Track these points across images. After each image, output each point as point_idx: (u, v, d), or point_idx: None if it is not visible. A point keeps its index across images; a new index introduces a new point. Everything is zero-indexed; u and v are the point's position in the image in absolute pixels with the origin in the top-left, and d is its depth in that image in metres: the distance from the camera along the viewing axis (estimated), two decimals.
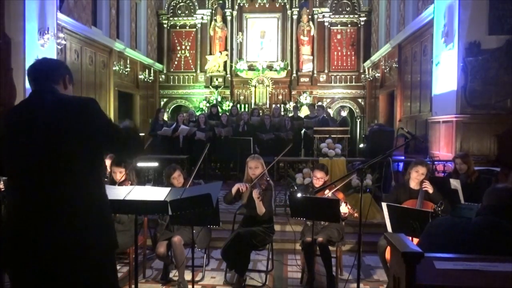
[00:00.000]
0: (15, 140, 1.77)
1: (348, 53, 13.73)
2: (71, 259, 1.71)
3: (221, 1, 13.72)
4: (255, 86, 13.25)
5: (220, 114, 10.16)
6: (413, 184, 3.98)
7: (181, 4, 13.95)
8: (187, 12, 13.94)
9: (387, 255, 3.55)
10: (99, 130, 1.81)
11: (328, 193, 4.05)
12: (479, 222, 2.08)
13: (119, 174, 4.10)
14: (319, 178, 4.22)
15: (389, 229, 3.60)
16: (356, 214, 3.78)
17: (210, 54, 13.68)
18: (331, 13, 13.49)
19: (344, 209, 3.86)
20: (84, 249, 1.73)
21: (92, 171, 1.83)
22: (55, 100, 1.83)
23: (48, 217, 1.71)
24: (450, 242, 2.05)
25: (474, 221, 2.12)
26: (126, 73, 10.98)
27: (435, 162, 6.29)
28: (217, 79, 13.59)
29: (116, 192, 2.77)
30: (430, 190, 3.84)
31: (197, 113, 10.58)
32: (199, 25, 13.89)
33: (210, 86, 13.52)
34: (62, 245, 1.69)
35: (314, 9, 13.55)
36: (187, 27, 14.07)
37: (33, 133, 1.74)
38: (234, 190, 4.06)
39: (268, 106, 13.01)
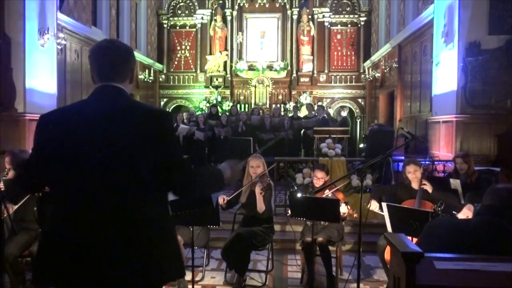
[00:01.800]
0: (76, 146, 1.54)
1: (348, 53, 13.73)
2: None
3: (221, 1, 13.71)
4: (255, 86, 13.25)
5: (220, 114, 10.16)
6: (414, 184, 3.98)
7: (181, 4, 13.95)
8: (187, 12, 13.94)
9: (386, 255, 3.55)
10: (163, 151, 1.58)
11: (328, 193, 4.05)
12: (479, 222, 2.08)
13: None
14: (319, 178, 4.22)
15: (389, 229, 3.60)
16: (355, 215, 3.78)
17: (210, 54, 13.68)
18: (331, 13, 13.49)
19: (343, 209, 3.87)
20: (136, 276, 1.52)
21: (156, 195, 1.61)
22: (125, 107, 1.61)
23: (109, 233, 1.50)
24: (449, 243, 2.04)
25: (474, 221, 2.11)
26: None
27: (435, 162, 6.29)
28: (217, 79, 13.58)
29: None
30: (429, 189, 3.84)
31: (197, 113, 10.58)
32: (199, 25, 13.88)
33: (210, 86, 13.52)
34: (114, 269, 1.49)
35: (314, 9, 13.55)
36: (187, 27, 14.06)
37: (98, 141, 1.53)
38: (222, 204, 4.06)
39: (268, 106, 13.00)
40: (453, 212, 3.61)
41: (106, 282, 1.50)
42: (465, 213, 3.60)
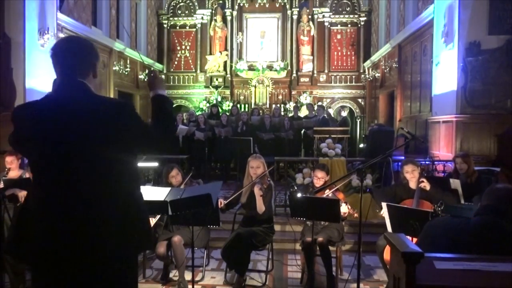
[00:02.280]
0: (42, 137, 1.66)
1: (348, 53, 13.73)
2: (94, 262, 1.64)
3: (221, 1, 13.71)
4: (255, 86, 13.25)
5: (220, 114, 10.16)
6: (412, 184, 3.99)
7: (181, 4, 13.95)
8: (187, 12, 13.94)
9: (386, 255, 3.56)
10: (133, 138, 1.73)
11: (328, 193, 4.05)
12: (478, 222, 2.07)
13: None
14: (319, 178, 4.22)
15: (389, 229, 3.60)
16: (356, 215, 3.78)
17: (210, 54, 13.68)
18: (331, 13, 13.49)
19: (344, 208, 3.87)
20: (110, 251, 1.65)
21: (123, 172, 1.74)
22: (87, 101, 1.71)
23: (73, 216, 1.63)
24: (448, 243, 2.04)
25: (473, 221, 2.11)
26: (126, 73, 10.98)
27: (435, 162, 6.29)
28: (217, 79, 13.58)
29: None
30: (427, 187, 3.83)
31: (197, 113, 10.59)
32: (199, 25, 13.88)
33: (210, 86, 13.52)
34: (87, 245, 1.62)
35: (314, 9, 13.55)
36: (187, 27, 14.07)
37: (62, 132, 1.64)
38: (222, 207, 4.05)
39: (268, 106, 13.00)
40: None
41: (77, 255, 1.62)
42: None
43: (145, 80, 12.28)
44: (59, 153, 1.64)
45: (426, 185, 3.84)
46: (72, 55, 1.74)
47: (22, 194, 3.77)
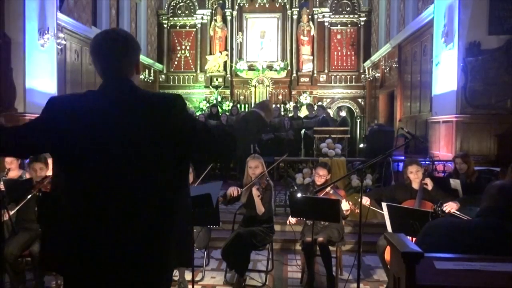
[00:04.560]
0: (85, 135, 1.50)
1: (348, 53, 13.73)
2: (128, 273, 1.50)
3: (221, 1, 13.72)
4: (255, 86, 13.25)
5: (220, 114, 10.16)
6: (415, 184, 3.97)
7: (181, 4, 13.95)
8: (187, 12, 13.94)
9: (387, 255, 3.55)
10: (185, 137, 1.57)
11: (330, 190, 4.05)
12: (480, 224, 2.05)
13: None
14: (321, 176, 4.22)
15: (389, 229, 3.60)
16: (357, 210, 3.77)
17: (210, 54, 13.68)
18: (331, 13, 13.49)
19: (345, 206, 3.87)
20: (147, 264, 1.51)
21: (171, 177, 1.58)
22: (135, 98, 1.57)
23: (115, 220, 1.48)
24: (449, 244, 2.03)
25: (475, 222, 2.08)
26: None
27: (435, 162, 6.29)
28: (217, 79, 13.59)
29: None
30: (430, 186, 3.82)
31: (197, 113, 10.58)
32: (199, 25, 13.89)
33: (210, 86, 13.52)
34: (121, 257, 1.48)
35: (314, 9, 13.55)
36: (187, 27, 14.07)
37: (108, 131, 1.50)
38: (228, 194, 4.09)
39: None
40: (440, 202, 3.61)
41: (115, 268, 1.49)
42: (451, 206, 3.65)
43: (146, 80, 12.30)
44: (103, 154, 1.49)
45: (428, 184, 3.83)
46: (117, 55, 1.61)
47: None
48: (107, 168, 1.49)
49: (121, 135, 1.50)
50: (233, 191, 4.07)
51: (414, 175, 3.94)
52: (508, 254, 1.89)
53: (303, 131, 9.61)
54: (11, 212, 3.52)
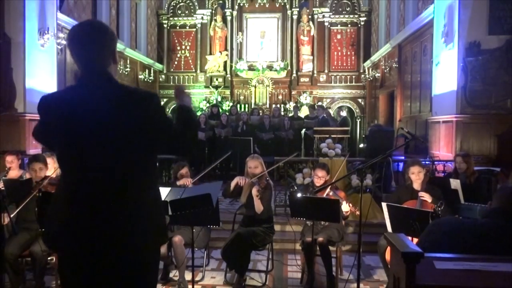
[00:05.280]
0: (67, 128, 1.63)
1: (348, 53, 13.73)
2: (121, 246, 1.64)
3: (221, 1, 13.71)
4: (255, 86, 13.25)
5: (220, 114, 10.16)
6: (416, 185, 3.97)
7: (181, 4, 13.94)
8: (187, 12, 13.94)
9: (387, 255, 3.55)
10: (157, 132, 1.69)
11: (329, 192, 4.05)
12: (486, 225, 2.03)
13: None
14: (320, 177, 4.22)
15: (389, 229, 3.60)
16: (357, 212, 3.78)
17: (210, 54, 13.67)
18: (331, 13, 13.49)
19: (345, 207, 3.87)
20: (136, 237, 1.65)
21: (147, 165, 1.74)
22: (112, 91, 1.66)
23: (102, 204, 1.62)
24: (452, 243, 2.02)
25: (480, 223, 2.06)
26: (126, 73, 10.97)
27: (435, 162, 6.29)
28: (217, 79, 13.58)
29: None
30: (429, 200, 3.81)
31: (198, 113, 10.59)
32: (199, 25, 13.88)
33: (210, 86, 13.52)
34: (115, 232, 1.63)
35: (314, 9, 13.55)
36: (187, 27, 14.06)
37: (88, 124, 1.61)
38: (233, 184, 4.09)
39: (268, 106, 13.01)
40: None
41: (103, 249, 1.62)
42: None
43: (146, 80, 12.31)
44: (85, 145, 1.63)
45: (426, 197, 3.81)
46: (91, 44, 1.67)
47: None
48: (88, 155, 1.63)
49: (99, 127, 1.61)
50: (240, 180, 4.05)
51: (416, 176, 3.93)
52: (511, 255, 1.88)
53: (303, 131, 9.61)
54: (12, 215, 3.51)
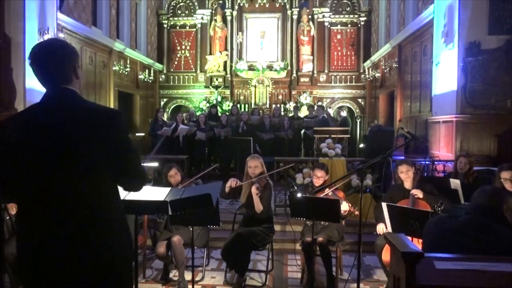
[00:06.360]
0: (31, 149, 1.59)
1: (348, 53, 13.73)
2: (89, 271, 1.60)
3: (221, 1, 13.71)
4: (255, 86, 13.25)
5: (219, 115, 10.16)
6: (407, 184, 4.01)
7: (181, 4, 13.94)
8: (187, 12, 13.94)
9: (384, 255, 3.56)
10: (115, 153, 1.65)
11: (328, 192, 4.05)
12: (466, 222, 2.06)
13: None
14: (319, 177, 4.23)
15: (389, 229, 3.61)
16: (356, 212, 3.78)
17: (210, 54, 13.67)
18: (331, 13, 13.49)
19: (344, 206, 3.87)
20: (103, 261, 1.63)
21: (111, 185, 1.71)
22: (76, 110, 1.65)
23: (65, 229, 1.58)
24: (439, 241, 2.04)
25: (460, 220, 2.10)
26: (126, 73, 10.97)
27: (435, 162, 6.29)
28: (217, 79, 13.58)
29: None
30: (420, 196, 3.83)
31: (198, 113, 10.59)
32: (199, 25, 13.88)
33: (210, 86, 13.52)
34: (79, 257, 1.59)
35: (314, 9, 13.55)
36: (187, 27, 14.06)
37: (52, 143, 1.58)
38: (227, 188, 4.11)
39: (268, 106, 13.01)
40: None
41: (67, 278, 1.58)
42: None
43: (146, 80, 12.30)
44: (48, 164, 1.57)
45: (418, 194, 3.84)
46: (51, 63, 1.69)
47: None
48: (48, 180, 1.58)
49: (60, 147, 1.57)
50: (232, 182, 4.08)
51: (405, 174, 3.99)
52: (492, 251, 1.89)
53: (303, 131, 9.61)
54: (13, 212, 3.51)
